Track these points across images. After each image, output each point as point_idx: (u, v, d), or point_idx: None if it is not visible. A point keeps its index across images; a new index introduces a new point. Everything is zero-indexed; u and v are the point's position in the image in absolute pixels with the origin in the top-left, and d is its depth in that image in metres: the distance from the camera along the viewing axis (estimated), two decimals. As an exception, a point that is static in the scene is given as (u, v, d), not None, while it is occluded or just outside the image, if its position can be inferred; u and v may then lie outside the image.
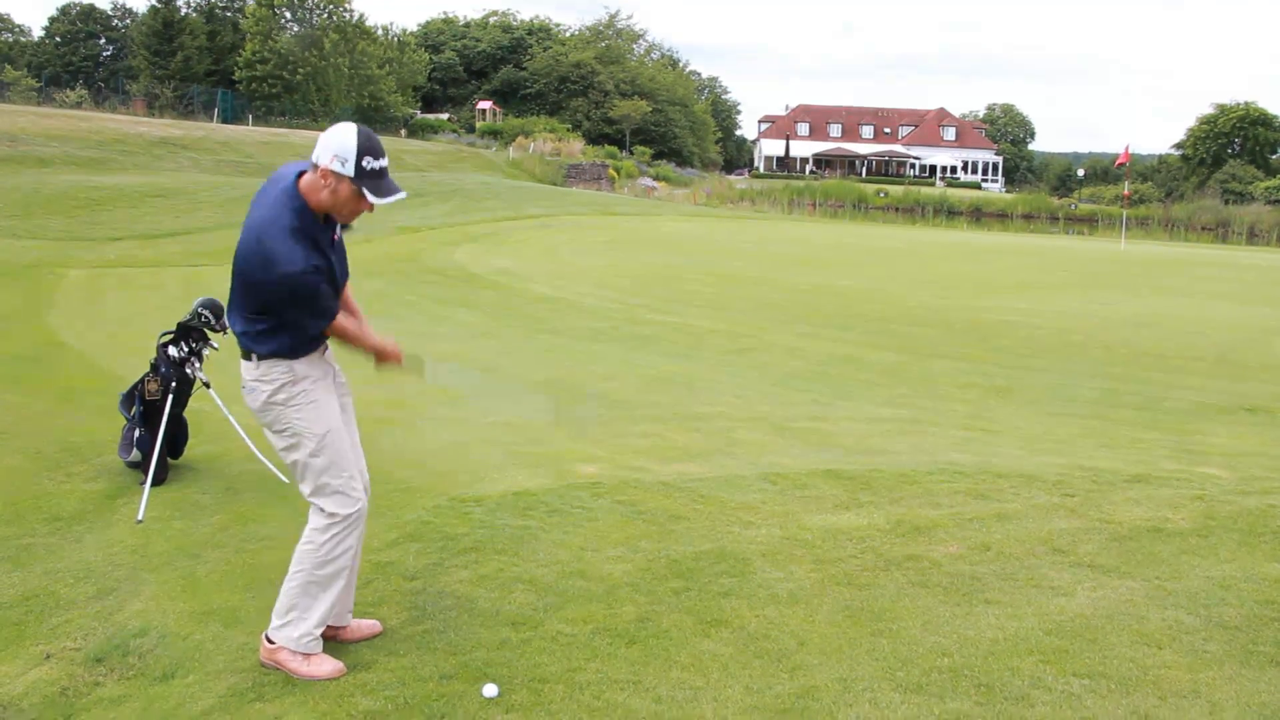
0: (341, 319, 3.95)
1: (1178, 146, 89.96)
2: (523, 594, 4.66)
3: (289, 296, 3.71)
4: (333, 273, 3.87)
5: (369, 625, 4.29)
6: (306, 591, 3.95)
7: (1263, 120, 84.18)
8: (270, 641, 3.99)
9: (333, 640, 4.15)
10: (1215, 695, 3.84)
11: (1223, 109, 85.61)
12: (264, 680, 3.91)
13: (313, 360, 3.96)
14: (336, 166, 3.66)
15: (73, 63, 71.01)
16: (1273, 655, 4.18)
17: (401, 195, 3.77)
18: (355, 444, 4.19)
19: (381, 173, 3.73)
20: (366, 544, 5.18)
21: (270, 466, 6.24)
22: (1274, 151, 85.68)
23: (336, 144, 3.66)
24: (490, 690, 3.75)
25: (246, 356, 3.91)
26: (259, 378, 3.90)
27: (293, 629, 3.94)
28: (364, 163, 3.67)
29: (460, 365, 9.17)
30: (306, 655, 3.95)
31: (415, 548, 5.19)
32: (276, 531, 5.34)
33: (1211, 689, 3.89)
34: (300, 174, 3.80)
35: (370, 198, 3.71)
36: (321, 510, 3.98)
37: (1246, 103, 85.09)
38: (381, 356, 4.13)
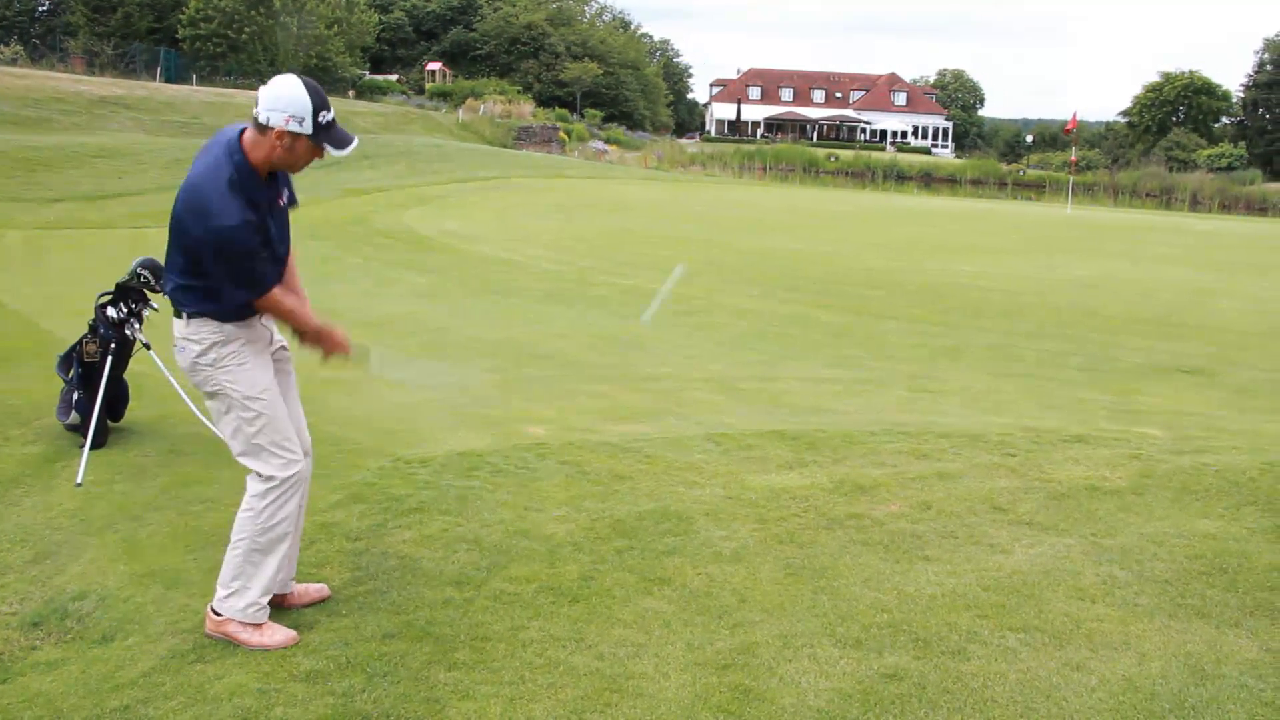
0: (279, 294, 3.85)
1: (1124, 114, 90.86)
2: (466, 554, 4.66)
3: (218, 253, 3.62)
4: (269, 236, 3.79)
5: (316, 590, 4.25)
6: (249, 560, 3.88)
7: (1206, 89, 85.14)
8: (216, 613, 3.92)
9: (279, 607, 4.11)
10: (1144, 646, 3.94)
11: (1168, 77, 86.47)
12: (205, 642, 3.89)
13: (246, 323, 3.87)
14: (294, 127, 3.59)
15: (6, 17, 68.85)
16: (1199, 607, 4.29)
17: (356, 142, 3.75)
18: (296, 413, 4.13)
19: (333, 123, 3.68)
20: (311, 504, 5.15)
21: (213, 428, 6.16)
22: (1216, 120, 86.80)
23: (287, 102, 3.58)
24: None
25: (177, 314, 3.83)
26: (187, 336, 3.82)
27: (238, 599, 3.88)
28: (320, 119, 3.62)
29: (407, 355, 9.05)
30: (256, 625, 3.89)
31: (359, 509, 5.18)
32: (220, 494, 5.29)
33: (1141, 640, 3.99)
34: (243, 131, 3.71)
35: (333, 151, 3.67)
36: (258, 476, 3.90)
37: (1191, 71, 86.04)
38: (327, 344, 4.04)
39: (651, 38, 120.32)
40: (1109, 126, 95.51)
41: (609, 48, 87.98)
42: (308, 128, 3.60)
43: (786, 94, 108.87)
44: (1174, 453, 6.52)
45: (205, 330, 3.80)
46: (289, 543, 4.01)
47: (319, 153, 3.70)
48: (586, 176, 37.00)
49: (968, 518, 5.28)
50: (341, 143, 3.69)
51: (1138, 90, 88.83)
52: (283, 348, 4.12)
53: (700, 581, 4.45)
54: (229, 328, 3.82)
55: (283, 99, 3.59)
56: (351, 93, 61.40)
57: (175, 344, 3.88)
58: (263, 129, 3.63)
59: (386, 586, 4.31)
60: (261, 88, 3.65)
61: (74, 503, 5.30)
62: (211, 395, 3.90)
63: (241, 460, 3.94)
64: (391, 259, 15.79)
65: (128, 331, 6.28)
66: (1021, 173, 70.12)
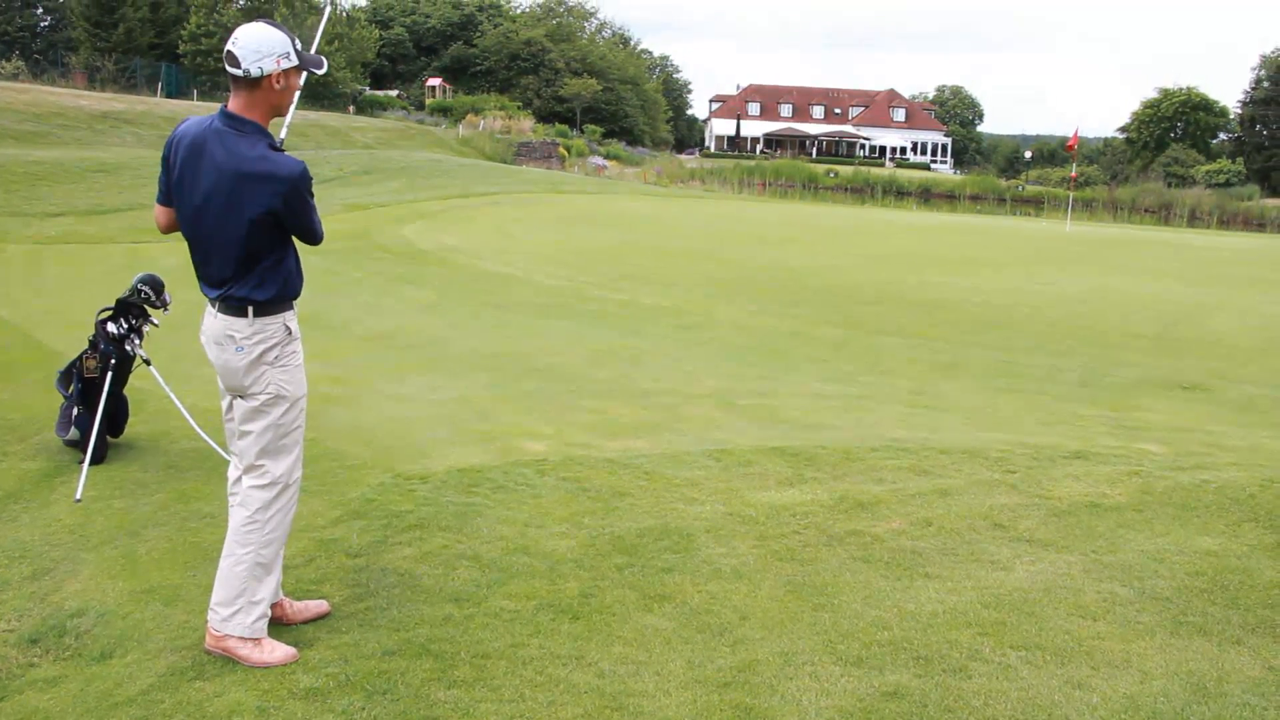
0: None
1: (1123, 130, 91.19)
2: (466, 570, 4.65)
3: (308, 196, 3.75)
4: None
5: (316, 606, 4.23)
6: (253, 575, 3.86)
7: (1203, 105, 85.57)
8: (216, 631, 3.88)
9: (279, 622, 4.10)
10: (1146, 664, 3.93)
11: (1165, 93, 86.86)
12: (204, 659, 3.87)
13: (295, 318, 3.94)
14: (285, 64, 3.70)
15: (8, 33, 69.07)
16: (1200, 625, 4.28)
17: (325, 62, 3.92)
18: None
19: (299, 49, 3.81)
20: (310, 521, 5.18)
21: (212, 444, 6.17)
22: (1214, 136, 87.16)
23: (270, 45, 3.66)
24: None
25: (238, 313, 3.77)
26: (253, 334, 3.78)
27: (244, 615, 3.84)
28: (297, 46, 3.75)
29: (407, 369, 8.98)
30: (257, 641, 3.86)
31: (359, 525, 5.17)
32: (219, 509, 5.27)
33: (1142, 658, 3.98)
34: (223, 112, 3.74)
35: (318, 72, 3.84)
36: (269, 483, 3.88)
37: (1188, 87, 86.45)
38: None
39: (651, 54, 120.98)
40: (1107, 142, 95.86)
41: (608, 64, 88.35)
42: (294, 58, 3.73)
43: (786, 110, 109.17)
44: (1174, 469, 6.52)
45: (272, 328, 3.80)
46: (283, 550, 4.04)
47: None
48: (586, 192, 37.05)
49: (968, 534, 5.27)
50: (317, 63, 3.84)
51: (1136, 106, 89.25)
52: None
53: (701, 599, 4.44)
54: (293, 324, 3.89)
55: (264, 43, 3.66)
56: (351, 108, 61.54)
57: (231, 346, 3.79)
58: (255, 83, 3.68)
59: (386, 603, 4.30)
60: (229, 47, 3.67)
61: (73, 518, 5.29)
62: (257, 394, 3.84)
63: (259, 461, 3.89)
64: (391, 273, 15.80)
65: (128, 347, 6.27)
66: (1020, 188, 70.26)
